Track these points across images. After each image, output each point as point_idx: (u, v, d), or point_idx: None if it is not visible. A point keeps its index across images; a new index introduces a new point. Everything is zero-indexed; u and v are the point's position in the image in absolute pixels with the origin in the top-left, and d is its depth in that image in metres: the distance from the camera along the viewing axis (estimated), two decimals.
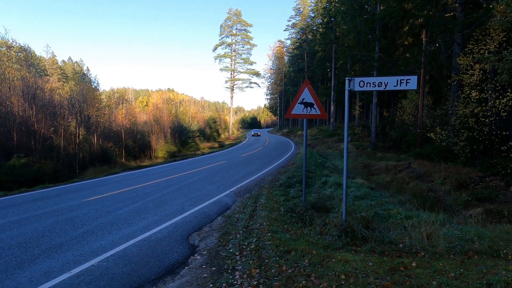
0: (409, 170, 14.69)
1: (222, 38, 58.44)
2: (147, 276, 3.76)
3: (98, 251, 4.52)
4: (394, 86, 5.03)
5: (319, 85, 45.81)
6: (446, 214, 6.39)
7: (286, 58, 68.37)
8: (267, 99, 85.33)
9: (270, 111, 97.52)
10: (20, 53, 52.85)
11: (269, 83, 78.87)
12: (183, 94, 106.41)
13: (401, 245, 4.65)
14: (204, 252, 4.48)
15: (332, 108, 35.25)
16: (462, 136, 12.91)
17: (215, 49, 58.88)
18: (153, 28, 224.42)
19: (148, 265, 4.07)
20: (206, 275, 3.75)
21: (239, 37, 58.39)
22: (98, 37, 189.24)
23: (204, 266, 4.00)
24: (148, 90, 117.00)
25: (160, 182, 10.80)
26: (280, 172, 12.42)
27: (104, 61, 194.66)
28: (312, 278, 3.49)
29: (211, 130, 53.61)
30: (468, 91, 12.67)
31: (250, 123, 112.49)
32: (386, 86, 5.06)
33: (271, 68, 76.93)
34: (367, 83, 5.12)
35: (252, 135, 53.37)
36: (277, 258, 4.09)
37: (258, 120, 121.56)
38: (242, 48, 59.37)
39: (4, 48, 45.22)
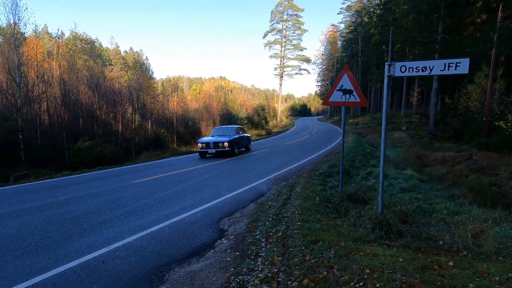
0: (470, 162, 13.42)
1: (272, 24, 57.94)
2: (175, 256, 3.95)
3: (135, 229, 4.84)
4: (441, 70, 4.54)
5: (373, 71, 43.43)
6: (506, 212, 5.73)
7: (339, 43, 65.75)
8: (318, 85, 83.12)
9: (321, 98, 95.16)
10: (89, 45, 57.57)
11: (320, 69, 76.75)
12: (234, 82, 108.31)
13: (440, 242, 4.29)
14: (231, 237, 4.57)
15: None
16: None
17: (265, 35, 58.63)
18: (207, 17, 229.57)
19: (177, 245, 4.27)
20: (229, 259, 3.84)
21: (289, 23, 57.39)
22: (155, 28, 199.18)
23: (228, 251, 4.09)
24: (201, 78, 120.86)
25: (202, 167, 11.20)
26: (322, 161, 12.12)
27: (161, 50, 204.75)
28: (334, 270, 3.39)
29: (259, 118, 53.93)
30: None
31: (300, 110, 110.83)
32: (431, 70, 4.60)
33: (322, 54, 74.64)
34: (409, 68, 4.70)
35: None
36: (302, 248, 4.03)
37: (308, 107, 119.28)
38: (292, 34, 58.33)
39: (76, 41, 49.60)
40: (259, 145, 20.72)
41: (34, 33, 32.89)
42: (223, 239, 4.54)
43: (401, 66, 4.72)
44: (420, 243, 4.31)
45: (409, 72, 4.70)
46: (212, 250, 4.15)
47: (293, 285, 3.16)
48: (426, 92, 32.44)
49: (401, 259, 3.62)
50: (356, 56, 50.08)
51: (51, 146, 16.13)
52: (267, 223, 5.09)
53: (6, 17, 23.14)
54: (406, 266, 3.43)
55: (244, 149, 16.18)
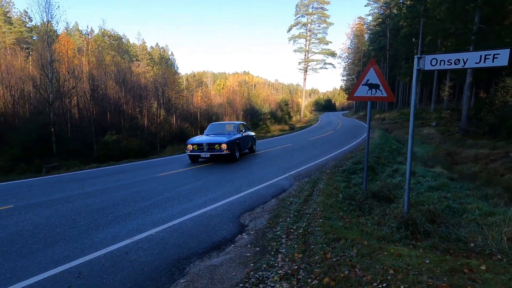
0: (507, 160, 12.69)
1: (297, 18, 57.08)
2: (195, 250, 3.98)
3: (158, 222, 4.92)
4: (476, 63, 4.25)
5: (402, 64, 41.91)
6: None
7: (366, 36, 63.89)
8: (343, 80, 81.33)
9: (346, 93, 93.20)
10: (117, 41, 59.24)
11: (346, 64, 74.99)
12: (258, 76, 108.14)
13: (471, 245, 4.06)
14: (252, 232, 4.55)
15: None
16: None
17: (289, 29, 57.88)
18: (232, 12, 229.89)
19: (198, 239, 4.30)
20: (249, 254, 3.82)
21: (315, 16, 56.31)
22: (180, 24, 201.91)
23: (249, 246, 4.07)
24: (225, 73, 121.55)
25: (223, 163, 11.25)
26: (346, 157, 11.86)
27: (186, 46, 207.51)
28: (356, 269, 3.29)
29: (282, 113, 53.56)
30: None
31: (324, 105, 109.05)
32: (465, 63, 4.31)
33: (348, 48, 72.86)
34: (440, 61, 4.43)
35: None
36: (324, 245, 3.94)
37: (333, 102, 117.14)
38: (317, 28, 57.23)
39: (105, 37, 51.16)
40: (282, 141, 20.60)
41: (65, 31, 34.30)
42: (243, 234, 4.53)
43: (432, 59, 4.47)
44: (449, 244, 4.10)
45: (440, 65, 4.45)
46: (232, 245, 4.14)
47: (313, 283, 3.09)
48: (458, 86, 30.95)
49: (427, 261, 3.47)
50: (384, 50, 48.49)
51: (81, 139, 16.82)
52: (288, 219, 5.03)
53: (40, 16, 24.37)
54: (433, 268, 3.27)
55: (247, 151, 13.12)
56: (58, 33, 26.72)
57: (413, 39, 35.80)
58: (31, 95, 17.76)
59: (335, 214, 5.34)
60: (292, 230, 4.54)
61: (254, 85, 74.07)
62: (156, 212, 5.42)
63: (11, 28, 41.55)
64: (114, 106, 20.68)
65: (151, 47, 79.61)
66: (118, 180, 8.41)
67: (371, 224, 4.98)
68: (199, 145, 10.58)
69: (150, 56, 72.82)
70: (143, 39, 74.79)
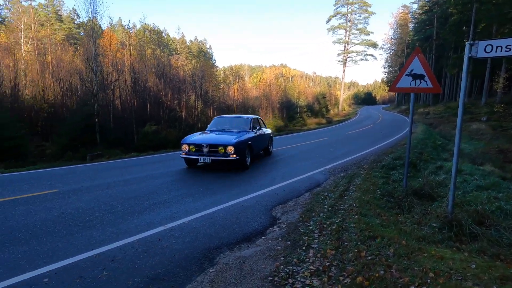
0: None
1: (337, 8, 55.33)
2: (226, 240, 3.97)
3: (191, 211, 4.99)
4: None
5: (450, 55, 39.15)
6: None
7: (410, 25, 60.35)
8: (385, 72, 77.57)
9: (387, 86, 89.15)
10: (157, 35, 61.16)
11: (388, 55, 71.55)
12: (295, 69, 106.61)
13: None
14: (284, 226, 4.47)
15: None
16: None
17: (328, 20, 56.30)
18: (270, 3, 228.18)
19: (229, 230, 4.29)
20: (280, 248, 3.74)
21: (355, 6, 54.25)
22: (218, 17, 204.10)
23: (280, 239, 3.99)
24: (262, 66, 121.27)
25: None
26: (386, 152, 11.33)
27: (224, 39, 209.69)
28: (392, 270, 3.10)
29: (319, 106, 52.48)
30: None
31: (364, 98, 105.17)
32: None
33: (391, 38, 69.37)
34: (497, 47, 3.99)
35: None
36: (358, 243, 3.76)
37: (373, 95, 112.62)
38: (358, 18, 55.09)
39: (146, 32, 53.03)
40: (319, 134, 20.21)
41: (109, 26, 36.00)
42: (275, 227, 4.46)
43: (486, 46, 4.04)
44: (500, 249, 3.74)
45: (496, 52, 4.02)
46: (263, 237, 4.09)
47: (345, 281, 2.95)
48: None
49: (473, 266, 3.18)
50: (430, 40, 45.56)
51: (122, 129, 17.68)
52: (322, 214, 4.88)
53: (86, 12, 25.89)
54: (480, 274, 2.99)
55: (262, 152, 10.52)
56: (103, 28, 28.14)
57: (464, 27, 33.26)
58: (78, 87, 18.94)
59: (372, 211, 5.10)
60: (325, 226, 4.39)
61: (291, 78, 73.21)
62: (190, 202, 5.51)
63: (61, 25, 44.44)
64: (154, 98, 21.45)
65: (190, 40, 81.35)
66: (155, 169, 8.69)
67: (411, 223, 4.70)
68: (197, 146, 7.92)
69: (189, 50, 74.44)
70: (182, 33, 76.87)
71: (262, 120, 10.88)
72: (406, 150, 6.17)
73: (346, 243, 3.79)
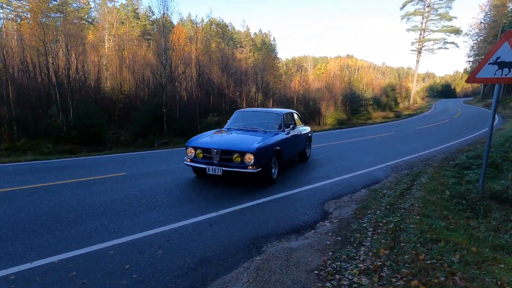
0: None
1: None
2: (275, 230, 3.96)
3: (244, 200, 5.08)
4: None
5: None
6: None
7: (510, 5, 52.35)
8: (469, 62, 68.20)
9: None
10: (222, 29, 63.05)
11: (475, 42, 63.49)
12: (362, 60, 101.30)
13: None
14: (335, 221, 4.30)
15: None
16: None
17: (403, 6, 51.94)
18: None
19: (279, 220, 4.27)
20: (329, 242, 3.61)
21: None
22: (284, 9, 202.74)
23: (330, 234, 3.86)
24: (326, 57, 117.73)
25: (315, 147, 10.96)
26: (461, 150, 10.20)
27: (287, 30, 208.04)
28: (456, 278, 2.78)
29: (387, 99, 49.21)
30: None
31: (441, 91, 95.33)
32: None
33: (481, 22, 61.26)
34: None
35: None
36: (417, 245, 3.45)
37: (452, 88, 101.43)
38: (439, 2, 49.82)
39: (213, 26, 55.04)
40: (384, 128, 19.05)
41: (180, 21, 38.10)
42: (326, 221, 4.32)
43: None
44: None
45: None
46: (312, 231, 3.99)
47: (398, 283, 2.74)
48: None
49: None
50: None
51: (187, 119, 18.69)
52: (378, 212, 4.59)
53: (158, 9, 27.86)
54: None
55: (297, 157, 8.37)
56: (173, 24, 29.93)
57: None
58: (150, 79, 20.50)
59: (437, 212, 4.64)
60: (381, 224, 4.12)
61: (357, 69, 69.88)
62: (242, 190, 5.61)
63: (138, 23, 48.35)
64: (217, 90, 22.28)
65: (255, 33, 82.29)
66: None
67: (486, 229, 4.16)
68: (206, 151, 5.77)
69: (253, 42, 75.37)
70: (247, 26, 77.90)
71: (299, 116, 8.49)
72: (486, 146, 5.47)
73: (402, 244, 3.51)
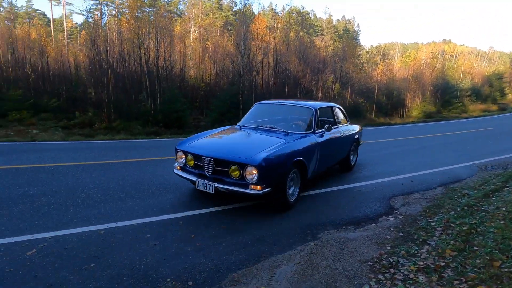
0: None
1: None
2: (333, 219, 3.95)
3: (304, 188, 5.14)
4: None
5: None
6: None
7: None
8: None
9: None
10: (302, 17, 62.06)
11: None
12: (463, 45, 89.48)
13: None
14: (400, 217, 4.08)
15: None
16: None
17: None
18: None
19: (339, 210, 4.24)
20: (389, 237, 3.48)
21: None
22: None
23: (392, 229, 3.70)
24: (417, 43, 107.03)
25: (392, 141, 10.33)
26: None
27: (373, 15, 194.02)
28: None
29: (490, 89, 42.83)
30: None
31: None
32: None
33: None
34: None
35: None
36: (495, 251, 3.12)
37: None
38: None
39: (294, 14, 54.65)
40: (480, 123, 16.86)
41: (261, 11, 38.73)
42: (389, 216, 4.13)
43: None
44: None
45: None
46: (373, 224, 3.87)
47: (461, 286, 2.54)
48: None
49: None
50: None
51: None
52: (453, 212, 4.20)
53: (239, 0, 28.90)
54: None
55: (337, 166, 6.28)
56: (255, 13, 30.57)
57: None
58: (230, 68, 21.44)
59: None
60: (452, 225, 3.79)
61: (455, 56, 62.17)
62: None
63: (221, 14, 50.50)
64: (293, 79, 22.24)
65: (337, 20, 78.97)
66: None
67: None
68: (197, 158, 4.17)
69: (335, 30, 72.52)
70: (329, 13, 75.43)
71: (342, 111, 6.38)
72: None
73: (476, 248, 3.20)
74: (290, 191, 4.20)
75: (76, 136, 10.72)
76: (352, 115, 23.63)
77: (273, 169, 3.78)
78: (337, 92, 24.15)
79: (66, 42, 26.89)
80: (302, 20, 54.07)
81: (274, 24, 29.98)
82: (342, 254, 3.08)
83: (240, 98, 17.56)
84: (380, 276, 2.70)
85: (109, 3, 35.35)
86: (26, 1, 45.11)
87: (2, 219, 3.55)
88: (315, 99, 21.26)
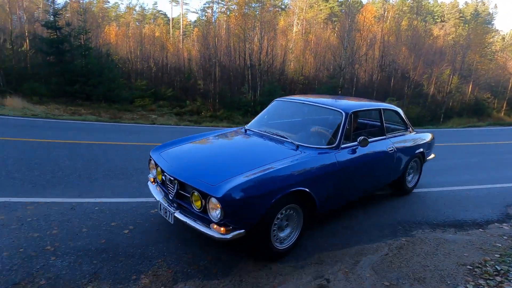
0: None
1: None
2: (430, 219, 3.68)
3: None
4: None
5: None
6: None
7: None
8: None
9: None
10: (418, 3, 55.76)
11: None
12: None
13: None
14: None
15: None
16: None
17: None
18: None
19: (439, 211, 3.92)
20: (500, 245, 3.10)
21: None
22: None
23: (505, 237, 3.27)
24: None
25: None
26: None
27: None
28: None
29: None
30: None
31: None
32: None
33: None
34: None
35: None
36: None
37: None
38: None
39: (409, 0, 49.79)
40: None
41: (370, 0, 36.30)
42: (503, 224, 3.64)
43: None
44: None
45: None
46: (480, 229, 3.48)
47: None
48: None
49: None
50: None
51: None
52: None
53: None
54: None
55: (393, 187, 4.38)
56: (363, 3, 28.85)
57: None
58: (330, 62, 20.94)
59: None
60: None
61: None
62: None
63: (326, 5, 49.21)
64: (400, 72, 20.43)
65: (465, 2, 68.25)
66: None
67: None
68: (163, 174, 2.88)
69: (461, 14, 63.05)
70: None
71: (400, 115, 4.40)
72: None
73: None
74: (282, 234, 2.75)
75: (186, 122, 12.32)
76: (472, 113, 20.46)
77: (248, 205, 2.39)
78: (454, 86, 21.21)
79: (181, 38, 30.42)
80: (417, 6, 48.73)
81: (384, 13, 27.78)
82: (436, 254, 2.91)
83: (340, 92, 17.15)
84: (481, 281, 2.49)
85: (220, 0, 38.26)
86: (153, 4, 52.42)
87: (131, 184, 4.35)
88: (433, 96, 18.97)
